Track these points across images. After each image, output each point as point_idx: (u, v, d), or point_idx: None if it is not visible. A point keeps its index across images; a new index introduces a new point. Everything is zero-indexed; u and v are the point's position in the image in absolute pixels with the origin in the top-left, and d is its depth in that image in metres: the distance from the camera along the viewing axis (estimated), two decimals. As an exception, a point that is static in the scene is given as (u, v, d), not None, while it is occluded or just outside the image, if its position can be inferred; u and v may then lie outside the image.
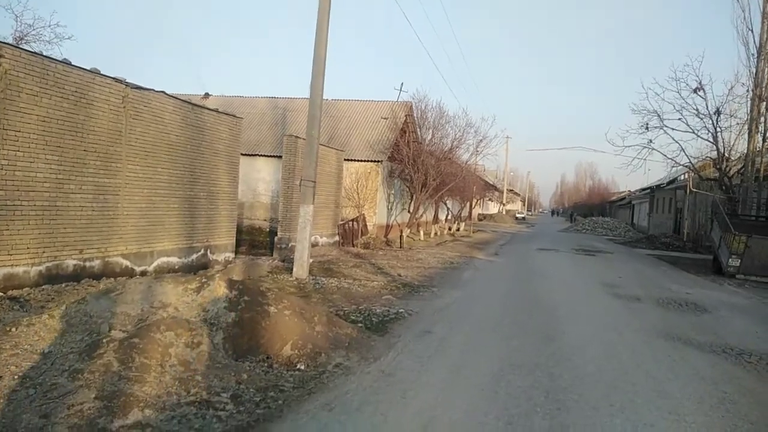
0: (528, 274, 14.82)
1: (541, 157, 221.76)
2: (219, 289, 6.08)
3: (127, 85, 10.19)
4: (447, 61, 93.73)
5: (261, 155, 23.64)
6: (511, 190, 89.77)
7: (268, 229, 22.81)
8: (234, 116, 13.83)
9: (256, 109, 26.79)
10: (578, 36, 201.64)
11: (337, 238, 19.56)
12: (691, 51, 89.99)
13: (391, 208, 24.63)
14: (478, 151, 25.48)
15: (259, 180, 23.71)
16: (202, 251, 12.52)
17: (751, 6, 23.93)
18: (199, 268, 12.12)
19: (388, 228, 24.27)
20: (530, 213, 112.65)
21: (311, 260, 14.49)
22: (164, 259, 11.38)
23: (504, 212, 68.88)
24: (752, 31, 23.84)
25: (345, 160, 21.33)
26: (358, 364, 5.89)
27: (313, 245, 17.40)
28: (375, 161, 22.49)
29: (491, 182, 57.43)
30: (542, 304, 10.05)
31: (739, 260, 16.82)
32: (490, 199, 66.29)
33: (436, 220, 30.90)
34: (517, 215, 75.70)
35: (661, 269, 18.85)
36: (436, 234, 28.82)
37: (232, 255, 13.70)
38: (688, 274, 17.83)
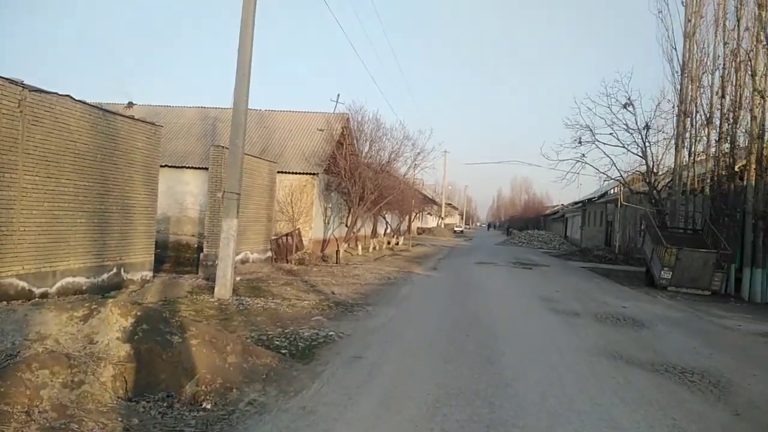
0: (466, 289, 14.44)
1: (478, 172, 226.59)
2: (111, 316, 5.21)
3: (25, 87, 9.09)
4: (384, 73, 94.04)
5: (189, 167, 22.40)
6: (450, 204, 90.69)
7: (196, 245, 21.56)
8: (153, 124, 12.79)
9: (184, 119, 25.51)
10: (515, 50, 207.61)
11: (269, 254, 18.64)
12: (621, 67, 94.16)
13: (329, 222, 23.88)
14: (416, 164, 25.21)
15: (187, 193, 22.44)
16: (115, 270, 11.39)
17: (674, 25, 24.74)
18: (111, 289, 11.00)
19: (325, 243, 23.49)
20: (468, 226, 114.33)
21: (239, 278, 13.59)
22: (69, 279, 10.21)
23: (442, 226, 69.30)
24: (676, 49, 24.74)
25: (279, 172, 20.48)
26: (276, 400, 5.16)
27: (243, 262, 16.47)
28: (311, 174, 21.73)
29: (430, 196, 57.66)
30: (481, 322, 9.58)
31: (671, 272, 17.08)
32: (429, 213, 66.55)
33: (374, 234, 30.37)
34: (456, 229, 76.41)
35: (596, 282, 18.97)
36: (374, 248, 28.28)
37: (150, 273, 12.59)
38: (622, 286, 17.97)
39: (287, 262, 18.27)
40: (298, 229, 20.46)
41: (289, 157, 22.36)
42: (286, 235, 19.72)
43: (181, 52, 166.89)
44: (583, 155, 27.87)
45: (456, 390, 5.69)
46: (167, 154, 23.12)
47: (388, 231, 34.76)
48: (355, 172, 21.08)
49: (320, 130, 23.05)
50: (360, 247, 24.85)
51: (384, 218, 31.88)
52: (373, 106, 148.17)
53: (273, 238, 19.36)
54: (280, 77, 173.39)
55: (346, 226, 22.45)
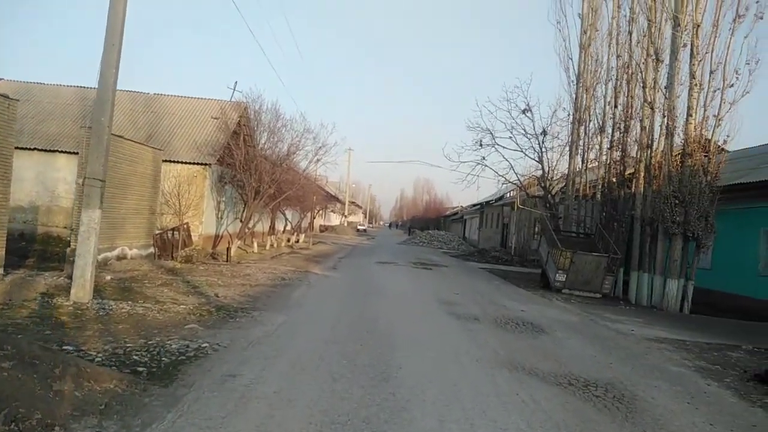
0: (365, 292, 13.68)
1: (383, 172, 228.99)
2: None
3: None
4: (285, 63, 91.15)
5: (62, 152, 20.05)
6: (353, 202, 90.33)
7: (68, 238, 19.31)
8: (6, 97, 10.90)
9: (60, 98, 22.89)
10: (420, 53, 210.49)
11: (152, 250, 16.93)
12: (523, 73, 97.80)
13: (222, 217, 22.32)
14: (317, 159, 24.16)
15: (59, 180, 20.07)
16: (-53, 267, 9.52)
17: (571, 36, 25.52)
18: (-61, 290, 9.15)
19: (217, 239, 21.91)
20: (371, 225, 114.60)
21: (109, 277, 12.02)
22: None
23: (346, 224, 68.64)
24: (572, 59, 25.55)
25: (166, 161, 18.75)
26: (113, 440, 4.05)
27: (120, 258, 14.73)
28: (202, 164, 20.12)
29: (333, 193, 56.76)
30: (378, 330, 8.81)
31: (565, 275, 17.33)
32: (332, 211, 65.64)
33: (272, 230, 28.97)
34: (359, 227, 76.04)
35: (495, 284, 18.94)
36: (272, 246, 26.96)
37: (-3, 271, 10.73)
38: (519, 288, 18.04)
39: (172, 259, 16.66)
40: (187, 223, 18.83)
41: (178, 146, 20.61)
42: (173, 229, 18.05)
43: (61, 27, 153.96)
44: (484, 158, 28.18)
45: (343, 417, 4.84)
46: (37, 137, 20.62)
47: (288, 228, 33.45)
48: (251, 164, 19.73)
49: (215, 119, 21.45)
50: (256, 244, 23.47)
51: (283, 214, 30.56)
52: (272, 95, 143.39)
53: (157, 232, 17.63)
54: (172, 60, 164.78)
55: (241, 221, 21.02)
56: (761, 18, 15.56)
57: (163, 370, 5.93)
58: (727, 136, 16.10)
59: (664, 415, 5.71)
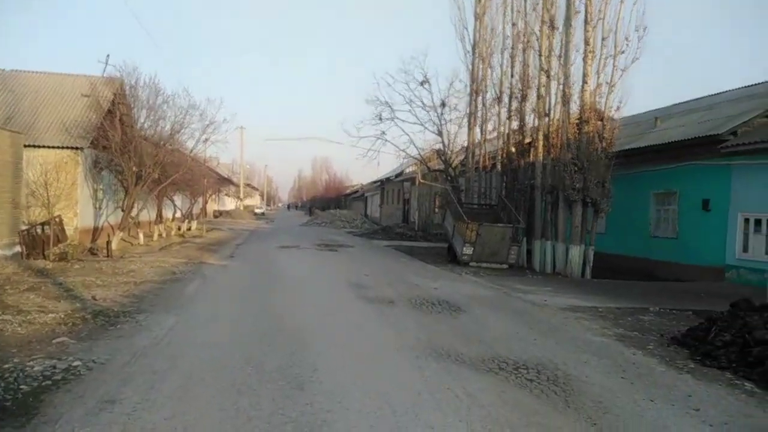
0: (268, 281, 12.60)
1: (279, 152, 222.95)
2: None
3: None
4: (165, 32, 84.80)
5: None
6: (249, 185, 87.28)
7: None
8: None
9: None
10: (315, 22, 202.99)
11: (18, 248, 14.78)
12: (420, 44, 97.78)
13: (101, 207, 20.08)
14: (206, 139, 22.35)
15: None
16: None
17: (466, 5, 25.31)
18: None
19: (96, 232, 19.71)
20: (269, 208, 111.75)
21: (-43, 286, 10.12)
22: None
23: (242, 208, 66.02)
24: (467, 29, 25.40)
25: (29, 146, 16.42)
26: None
27: (-26, 261, 12.62)
28: (73, 148, 17.82)
29: (226, 176, 54.19)
30: (286, 325, 7.88)
31: (472, 248, 17.20)
32: (226, 194, 62.82)
33: (160, 219, 26.78)
34: (256, 210, 73.66)
35: (403, 262, 18.51)
36: (161, 236, 24.85)
37: None
38: (427, 264, 17.71)
39: (43, 258, 14.62)
40: (59, 216, 16.65)
41: (42, 128, 18.13)
42: (43, 224, 15.88)
43: None
44: (383, 132, 27.71)
45: (252, 445, 3.94)
46: None
47: (178, 215, 31.20)
48: (129, 146, 17.73)
49: (85, 96, 19.08)
50: (142, 235, 21.44)
51: (171, 201, 28.35)
52: (150, 68, 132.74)
53: (24, 228, 15.44)
54: (31, 33, 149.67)
55: (123, 210, 19.01)
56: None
57: (21, 402, 4.72)
58: (620, 102, 16.55)
59: (602, 395, 5.33)
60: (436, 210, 38.68)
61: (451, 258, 18.62)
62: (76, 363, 5.79)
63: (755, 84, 20.43)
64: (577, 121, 16.59)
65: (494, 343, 7.11)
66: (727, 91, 22.09)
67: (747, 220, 15.44)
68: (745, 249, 15.46)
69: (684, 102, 23.95)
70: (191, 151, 22.85)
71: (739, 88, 21.54)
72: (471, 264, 17.16)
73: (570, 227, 16.77)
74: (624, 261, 19.09)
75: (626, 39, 16.18)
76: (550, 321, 8.75)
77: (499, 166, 22.01)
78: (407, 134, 28.98)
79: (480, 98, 24.64)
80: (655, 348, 7.23)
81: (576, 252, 16.57)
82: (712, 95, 22.66)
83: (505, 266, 17.33)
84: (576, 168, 16.27)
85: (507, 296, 11.40)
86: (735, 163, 15.75)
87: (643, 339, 7.71)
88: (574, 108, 17.02)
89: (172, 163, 21.22)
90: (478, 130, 24.91)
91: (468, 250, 17.22)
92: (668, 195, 18.51)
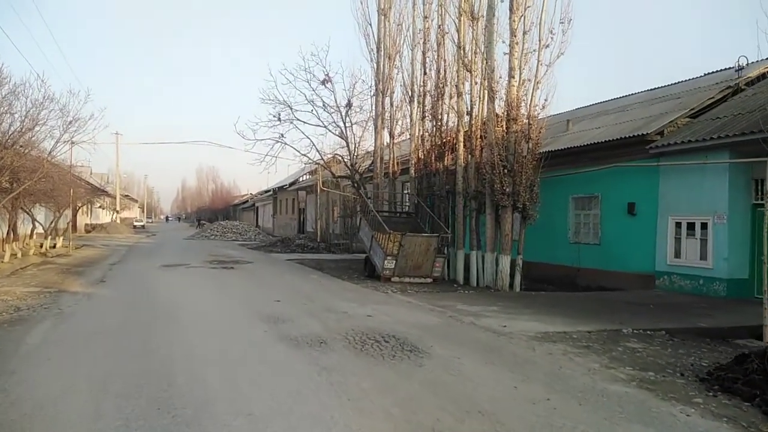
0: (148, 316, 9.57)
1: (160, 161, 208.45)
2: None
3: None
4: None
5: None
6: (127, 196, 79.95)
7: None
8: None
9: None
10: (203, 13, 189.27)
11: None
12: (321, 40, 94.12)
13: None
14: (71, 140, 18.54)
15: None
16: None
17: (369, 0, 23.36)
18: None
19: None
20: (150, 220, 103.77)
21: None
22: None
23: (119, 221, 59.65)
24: (371, 25, 23.54)
25: None
26: None
27: None
28: None
29: (99, 185, 48.42)
30: (173, 397, 5.13)
31: (394, 261, 15.18)
32: (101, 206, 56.40)
33: (14, 235, 22.20)
34: (136, 223, 67.47)
35: (314, 279, 16.04)
36: (14, 256, 20.42)
37: None
38: (344, 281, 15.43)
39: None
40: None
41: None
42: None
43: None
44: (282, 135, 25.10)
45: None
46: None
47: (39, 231, 26.40)
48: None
49: None
50: (-15, 257, 17.24)
51: (28, 213, 23.72)
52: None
53: None
54: None
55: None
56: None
57: None
58: (545, 100, 15.34)
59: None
60: (335, 219, 36.45)
61: (369, 272, 16.46)
62: None
63: (665, 85, 20.36)
64: (504, 120, 15.11)
65: (500, 413, 4.87)
66: (633, 94, 22.00)
67: (678, 224, 14.72)
68: (677, 254, 14.72)
69: (591, 105, 23.72)
70: (50, 153, 18.82)
71: (644, 91, 21.48)
72: (393, 279, 15.11)
73: (500, 235, 15.23)
74: (545, 269, 17.99)
75: (551, 32, 15.00)
76: (536, 361, 6.76)
77: (412, 171, 20.21)
78: (308, 138, 26.51)
79: (388, 99, 22.84)
80: (701, 399, 5.38)
81: (506, 262, 15.05)
82: (617, 98, 22.53)
83: (429, 280, 15.48)
84: (506, 170, 14.78)
85: (458, 323, 9.35)
86: (663, 164, 15.04)
87: (669, 384, 5.89)
88: (498, 105, 15.58)
89: (26, 168, 17.27)
90: (386, 132, 23.07)
91: (390, 264, 15.14)
92: (589, 199, 17.67)
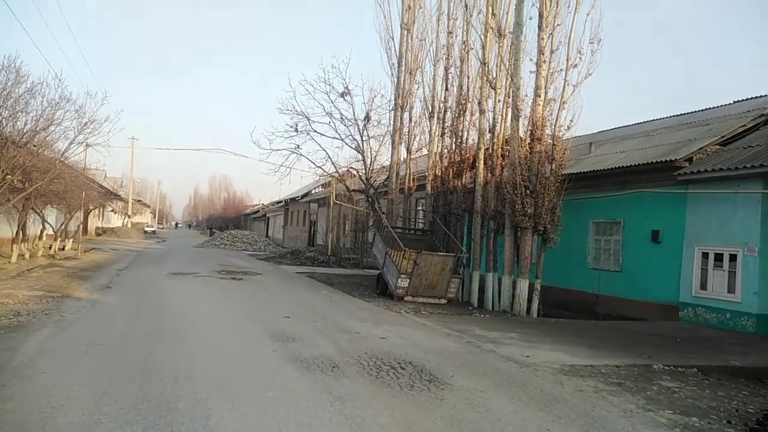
0: (152, 328, 9.14)
1: (174, 168, 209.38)
2: None
3: None
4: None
5: None
6: (140, 201, 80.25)
7: None
8: None
9: None
10: (227, 23, 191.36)
11: None
12: (342, 53, 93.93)
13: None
14: (86, 142, 18.33)
15: None
16: None
17: (392, 14, 23.26)
18: None
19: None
20: (162, 226, 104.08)
21: None
22: None
23: (130, 225, 59.66)
24: (393, 39, 23.38)
25: None
26: None
27: None
28: None
29: (112, 189, 48.46)
30: (174, 422, 4.62)
31: (408, 280, 14.69)
32: (112, 210, 56.47)
33: (23, 236, 21.95)
34: (147, 229, 67.54)
35: (325, 295, 15.57)
36: (22, 257, 20.19)
37: None
38: (355, 299, 14.95)
39: None
40: None
41: None
42: None
43: None
44: (298, 146, 24.80)
45: None
46: None
47: (49, 232, 26.20)
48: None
49: None
50: (-8, 257, 16.96)
51: (39, 215, 23.52)
52: (9, 49, 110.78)
53: None
54: None
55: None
56: (605, -7, 14.50)
57: None
58: (571, 120, 14.89)
59: None
60: (346, 234, 36.03)
61: (382, 290, 15.96)
62: None
63: (691, 112, 19.86)
64: (529, 139, 14.66)
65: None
66: (656, 119, 21.50)
67: (705, 255, 14.12)
68: (703, 286, 14.11)
69: (613, 128, 23.22)
70: (63, 153, 18.58)
71: (668, 117, 20.99)
72: (406, 298, 14.62)
73: (519, 258, 14.71)
74: (562, 294, 17.38)
75: (579, 52, 14.59)
76: (566, 399, 6.23)
77: (428, 188, 19.78)
78: (324, 150, 26.20)
79: (407, 114, 22.55)
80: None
81: (524, 286, 14.50)
82: (640, 123, 22.04)
83: (443, 301, 14.96)
84: (528, 191, 14.30)
85: (477, 350, 8.83)
86: (692, 191, 14.49)
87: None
88: (523, 124, 15.14)
89: (39, 168, 17.03)
90: (403, 148, 22.74)
91: (403, 283, 14.66)
92: (611, 224, 17.10)
